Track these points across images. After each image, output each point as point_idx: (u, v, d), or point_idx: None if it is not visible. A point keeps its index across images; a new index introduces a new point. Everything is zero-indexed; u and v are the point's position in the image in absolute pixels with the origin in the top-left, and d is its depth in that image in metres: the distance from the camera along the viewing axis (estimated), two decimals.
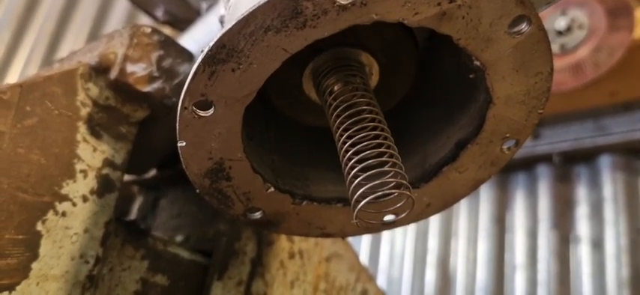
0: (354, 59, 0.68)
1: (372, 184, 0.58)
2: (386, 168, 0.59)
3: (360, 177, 0.58)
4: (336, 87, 0.65)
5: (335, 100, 0.64)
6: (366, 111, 0.62)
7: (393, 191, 0.58)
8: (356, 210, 0.58)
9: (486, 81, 0.60)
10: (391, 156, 0.60)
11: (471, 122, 0.68)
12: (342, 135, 0.62)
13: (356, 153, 0.60)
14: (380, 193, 0.58)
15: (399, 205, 0.61)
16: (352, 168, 0.59)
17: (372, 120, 0.62)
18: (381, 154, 0.60)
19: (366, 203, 0.57)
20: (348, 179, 0.60)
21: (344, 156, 0.61)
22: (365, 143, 0.60)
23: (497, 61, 0.58)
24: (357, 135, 0.61)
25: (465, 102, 0.69)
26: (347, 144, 0.61)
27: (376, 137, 0.61)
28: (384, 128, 0.62)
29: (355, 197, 0.58)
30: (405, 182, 0.59)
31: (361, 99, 0.63)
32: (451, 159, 0.71)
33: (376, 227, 0.78)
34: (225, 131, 0.61)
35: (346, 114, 0.62)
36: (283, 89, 0.73)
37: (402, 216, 0.64)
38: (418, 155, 0.75)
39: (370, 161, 0.59)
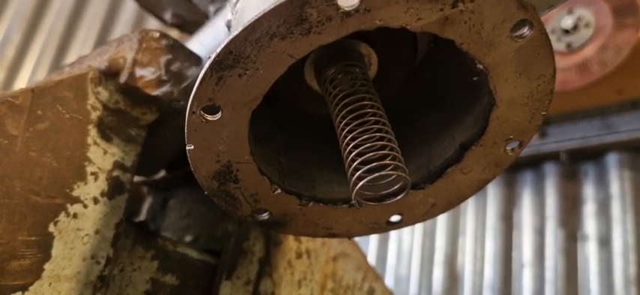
0: (353, 49, 0.69)
1: (370, 165, 0.59)
2: (385, 152, 0.60)
3: (358, 161, 0.60)
4: (336, 77, 0.66)
5: (335, 89, 0.66)
6: (366, 99, 0.64)
7: (392, 173, 0.60)
8: (352, 180, 0.60)
9: (489, 84, 0.61)
10: (389, 140, 0.61)
11: (475, 124, 0.69)
12: (341, 122, 0.63)
13: (354, 138, 0.61)
14: (377, 175, 0.59)
15: (396, 187, 0.63)
16: (352, 151, 0.61)
17: (371, 107, 0.63)
18: (380, 138, 0.61)
19: (362, 184, 0.59)
20: (347, 158, 0.62)
21: (343, 141, 0.63)
22: (363, 128, 0.62)
23: (499, 65, 0.59)
24: (356, 121, 0.62)
25: (469, 104, 0.70)
26: (345, 129, 0.63)
27: (375, 122, 0.62)
28: (381, 115, 0.63)
29: (355, 175, 0.60)
30: (401, 164, 0.60)
31: (360, 88, 0.65)
32: (456, 161, 0.72)
33: (382, 227, 0.79)
34: (233, 134, 0.62)
35: (345, 101, 0.64)
36: (286, 79, 0.75)
37: (401, 196, 0.65)
38: (423, 156, 0.76)
39: (368, 144, 0.60)
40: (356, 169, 0.60)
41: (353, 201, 0.61)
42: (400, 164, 0.60)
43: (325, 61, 0.68)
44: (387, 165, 0.59)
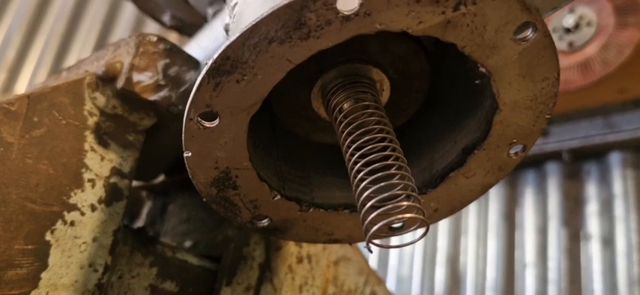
0: (364, 75, 0.67)
1: (384, 208, 0.57)
2: (397, 191, 0.58)
3: (373, 199, 0.57)
4: (346, 105, 0.64)
5: (345, 118, 0.63)
6: (377, 130, 0.61)
7: (404, 215, 0.57)
8: (365, 224, 0.58)
9: (492, 87, 0.60)
10: (403, 177, 0.59)
11: (478, 127, 0.67)
12: (353, 154, 0.61)
13: (368, 174, 0.58)
14: (392, 218, 0.56)
15: (412, 227, 0.60)
16: (365, 189, 0.58)
17: (383, 139, 0.61)
18: (393, 176, 0.58)
19: (378, 225, 0.56)
20: (358, 196, 0.59)
21: (355, 177, 0.60)
22: (377, 164, 0.59)
23: (503, 68, 0.58)
24: (369, 154, 0.60)
25: (472, 107, 0.69)
26: (359, 163, 0.60)
27: (387, 158, 0.59)
28: (395, 147, 0.61)
29: (367, 218, 0.57)
30: (417, 205, 0.57)
31: (372, 118, 0.62)
32: (458, 165, 0.70)
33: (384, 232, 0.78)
34: (231, 141, 0.61)
35: (357, 132, 0.61)
36: (291, 106, 0.73)
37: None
38: (425, 160, 0.75)
39: (382, 183, 0.58)
40: (371, 209, 0.57)
41: (365, 246, 0.58)
42: (417, 204, 0.57)
43: (334, 87, 0.66)
44: (403, 207, 0.56)
